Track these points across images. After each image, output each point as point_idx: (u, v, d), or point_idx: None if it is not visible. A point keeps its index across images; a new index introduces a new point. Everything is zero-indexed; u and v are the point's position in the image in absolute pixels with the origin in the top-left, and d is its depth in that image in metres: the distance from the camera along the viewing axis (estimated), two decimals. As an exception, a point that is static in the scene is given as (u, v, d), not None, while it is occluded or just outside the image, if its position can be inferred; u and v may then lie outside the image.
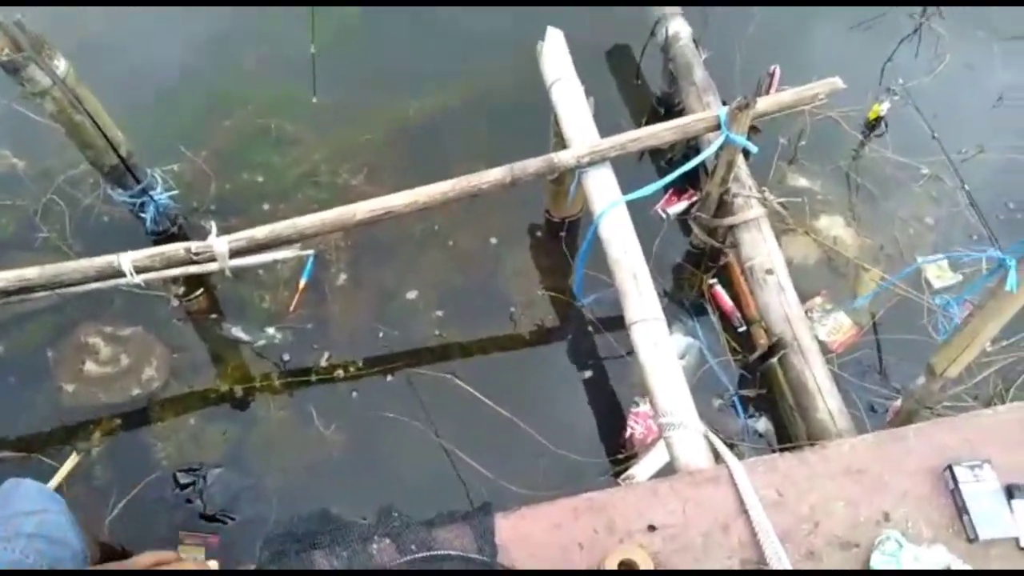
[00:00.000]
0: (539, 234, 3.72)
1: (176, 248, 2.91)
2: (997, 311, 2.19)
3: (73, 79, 2.89)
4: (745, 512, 2.13)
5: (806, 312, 3.02)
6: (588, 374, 3.33)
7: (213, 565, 2.65)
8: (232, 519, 2.91)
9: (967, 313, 2.49)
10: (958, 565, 2.04)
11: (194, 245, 2.89)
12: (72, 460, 3.03)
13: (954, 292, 3.22)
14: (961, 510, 2.11)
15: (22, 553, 1.77)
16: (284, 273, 3.52)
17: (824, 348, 3.01)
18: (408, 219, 3.23)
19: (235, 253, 2.92)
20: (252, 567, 2.01)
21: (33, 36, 2.73)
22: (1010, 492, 2.12)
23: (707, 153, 2.95)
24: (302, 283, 3.31)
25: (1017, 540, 2.07)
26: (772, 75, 3.59)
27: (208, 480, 2.92)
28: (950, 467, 2.15)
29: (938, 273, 3.39)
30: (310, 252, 3.08)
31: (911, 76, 4.06)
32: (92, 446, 3.14)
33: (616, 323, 3.32)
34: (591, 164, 2.95)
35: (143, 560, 1.95)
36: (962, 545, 2.08)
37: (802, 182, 3.79)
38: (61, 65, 2.82)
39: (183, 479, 2.94)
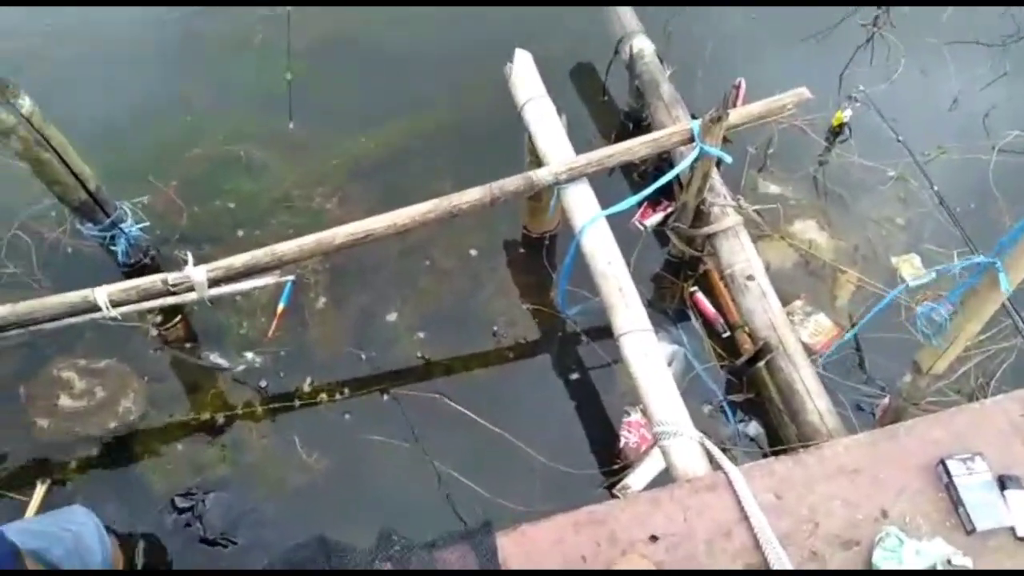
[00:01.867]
0: (518, 251, 3.72)
1: (153, 280, 2.86)
2: (981, 309, 2.24)
3: (39, 118, 2.83)
4: (746, 517, 2.14)
5: (787, 315, 3.05)
6: (576, 386, 3.32)
7: None
8: (233, 543, 2.85)
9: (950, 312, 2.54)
10: (959, 558, 2.07)
11: (171, 276, 2.84)
12: (41, 490, 2.98)
13: (930, 289, 3.30)
14: (956, 503, 2.15)
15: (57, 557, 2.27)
16: (262, 299, 3.47)
17: (808, 350, 3.04)
18: (387, 241, 3.22)
19: (213, 282, 2.88)
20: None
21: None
22: (1002, 483, 2.16)
23: (683, 165, 2.99)
24: (280, 308, 3.26)
25: (1014, 529, 2.11)
26: (738, 88, 3.66)
27: (207, 504, 2.86)
28: (943, 461, 2.19)
29: (912, 271, 3.46)
30: (289, 278, 3.04)
31: (869, 83, 4.16)
32: (68, 479, 3.06)
33: (601, 334, 3.35)
34: (569, 180, 2.97)
35: None
36: (960, 537, 2.11)
37: (773, 189, 3.85)
38: (26, 104, 2.76)
39: (181, 503, 2.87)
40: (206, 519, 2.87)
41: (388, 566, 2.04)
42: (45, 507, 2.94)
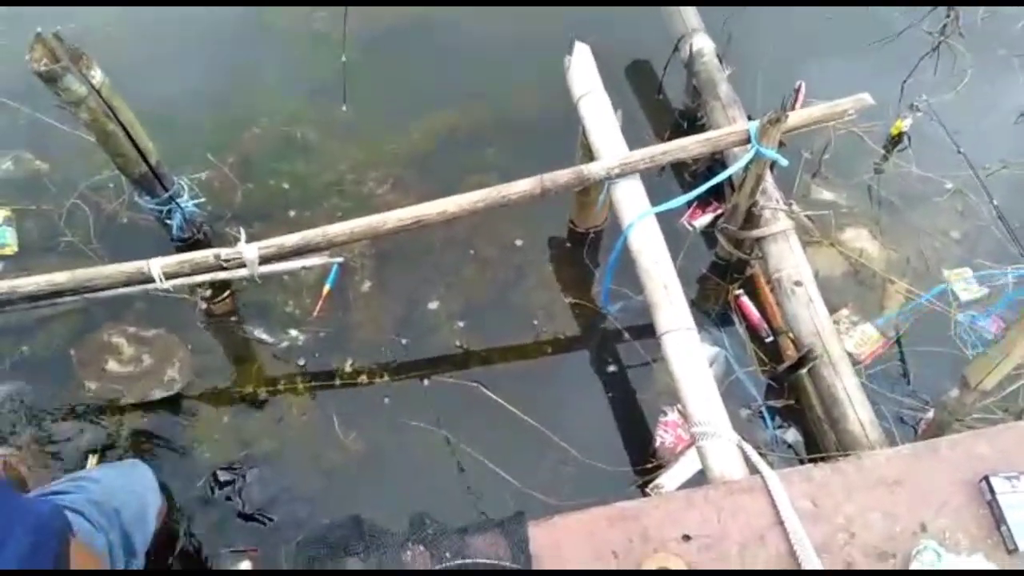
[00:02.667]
0: (563, 245, 3.73)
1: (205, 255, 2.93)
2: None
3: (108, 90, 2.91)
4: (781, 523, 2.12)
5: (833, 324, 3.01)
6: (613, 383, 3.32)
7: (246, 566, 2.72)
8: (270, 519, 2.90)
9: (997, 327, 2.49)
10: (1000, 577, 2.03)
11: (224, 252, 2.90)
12: (92, 461, 3.05)
13: (982, 305, 3.24)
14: (999, 521, 2.10)
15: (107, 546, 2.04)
16: (308, 279, 3.53)
17: (852, 360, 2.99)
18: (432, 229, 3.26)
19: (264, 259, 2.94)
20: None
21: (70, 48, 2.76)
22: (1049, 504, 2.11)
23: (738, 166, 2.96)
24: (326, 289, 3.32)
25: (1057, 552, 2.06)
26: (798, 91, 3.61)
27: (247, 479, 2.91)
28: (986, 478, 2.15)
29: (965, 287, 3.39)
30: (338, 260, 3.09)
31: (932, 93, 4.07)
32: (114, 444, 3.14)
33: (641, 332, 3.35)
34: (620, 176, 2.96)
35: None
36: (1001, 556, 2.06)
37: (826, 195, 3.80)
38: (97, 76, 2.84)
39: (223, 477, 2.93)
40: (245, 494, 2.93)
41: (421, 549, 2.06)
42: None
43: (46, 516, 1.44)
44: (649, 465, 3.04)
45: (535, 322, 3.47)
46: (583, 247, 3.68)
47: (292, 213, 3.74)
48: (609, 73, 3.37)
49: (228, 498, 2.90)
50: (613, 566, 2.07)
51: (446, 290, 3.55)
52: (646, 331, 3.29)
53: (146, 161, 3.23)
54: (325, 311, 3.34)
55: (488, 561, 2.06)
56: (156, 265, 2.89)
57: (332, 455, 3.09)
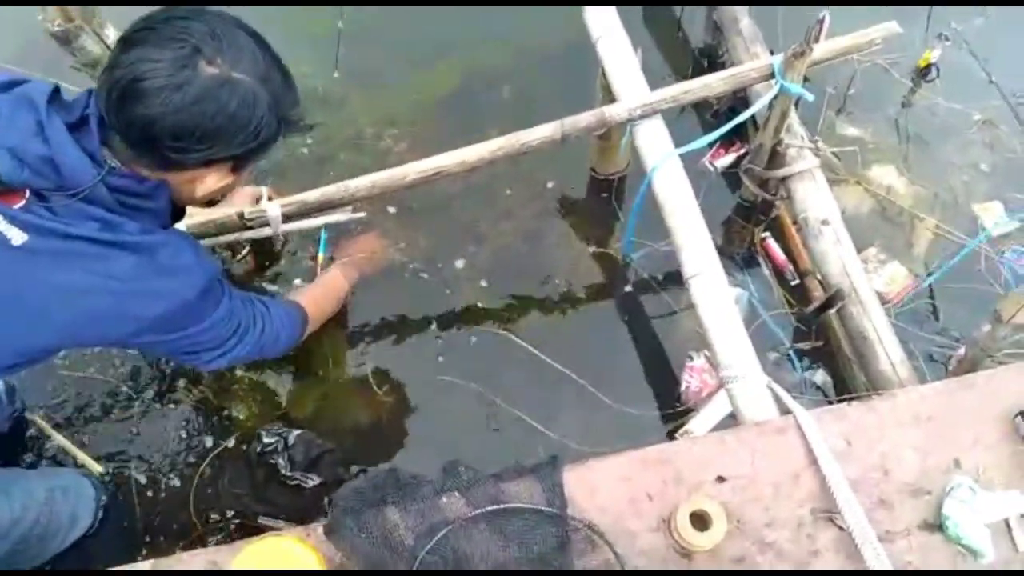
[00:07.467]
0: (584, 193, 3.68)
1: (229, 213, 2.93)
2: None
3: (122, 49, 2.88)
4: (815, 462, 2.12)
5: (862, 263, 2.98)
6: (639, 331, 3.31)
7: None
8: (313, 481, 2.92)
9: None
10: (1035, 510, 2.03)
11: (247, 211, 2.90)
12: None
13: (1013, 240, 3.19)
14: (1035, 456, 2.10)
15: None
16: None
17: (881, 299, 2.96)
18: (452, 182, 3.23)
19: (287, 217, 2.93)
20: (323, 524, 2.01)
21: (82, 7, 2.73)
22: (1085, 437, 2.10)
23: (762, 102, 2.89)
24: (320, 257, 3.21)
25: (1094, 486, 2.05)
26: (821, 23, 3.50)
27: (290, 441, 2.92)
28: (1021, 413, 2.13)
29: (995, 220, 3.33)
30: (360, 215, 3.08)
31: (960, 19, 3.95)
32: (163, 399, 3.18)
33: (666, 279, 3.34)
34: (642, 117, 2.91)
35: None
36: (1037, 490, 2.07)
37: (851, 131, 3.72)
38: (111, 35, 2.82)
39: (266, 438, 2.94)
40: (288, 456, 2.93)
41: (456, 495, 2.08)
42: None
43: None
44: (678, 408, 3.05)
45: (559, 275, 3.45)
46: (606, 195, 3.64)
47: (313, 170, 3.71)
48: (626, 13, 3.29)
49: (271, 460, 2.91)
50: (647, 508, 2.09)
51: (468, 246, 3.52)
52: (670, 278, 3.29)
53: (162, 122, 3.20)
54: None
55: (524, 506, 2.07)
56: (180, 227, 2.89)
57: (367, 413, 3.13)
